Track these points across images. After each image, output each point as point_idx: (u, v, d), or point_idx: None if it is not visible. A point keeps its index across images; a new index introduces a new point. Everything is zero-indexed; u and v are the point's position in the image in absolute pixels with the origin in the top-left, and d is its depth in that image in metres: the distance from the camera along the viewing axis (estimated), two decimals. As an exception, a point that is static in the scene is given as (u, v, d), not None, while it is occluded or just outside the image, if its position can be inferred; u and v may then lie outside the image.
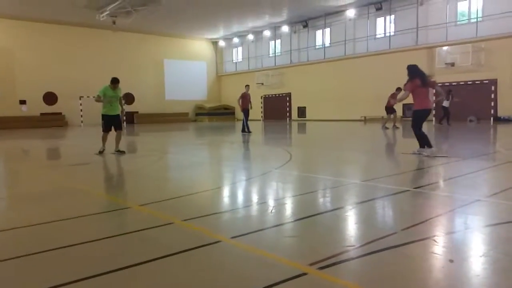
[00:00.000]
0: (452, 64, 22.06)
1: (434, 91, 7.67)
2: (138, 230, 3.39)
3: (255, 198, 4.75)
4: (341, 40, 27.90)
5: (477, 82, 21.40)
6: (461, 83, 21.99)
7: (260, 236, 3.21)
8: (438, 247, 2.84)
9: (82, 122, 28.19)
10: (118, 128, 9.31)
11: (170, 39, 34.50)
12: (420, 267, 2.53)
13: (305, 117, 30.76)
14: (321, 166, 7.50)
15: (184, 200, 4.63)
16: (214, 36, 35.83)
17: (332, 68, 28.36)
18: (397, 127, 17.14)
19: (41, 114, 28.39)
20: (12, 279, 2.48)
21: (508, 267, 2.50)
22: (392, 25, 25.30)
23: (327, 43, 29.15)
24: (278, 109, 32.56)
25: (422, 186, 4.94)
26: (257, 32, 33.45)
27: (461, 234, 3.21)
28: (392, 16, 25.21)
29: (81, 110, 28.20)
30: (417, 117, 7.92)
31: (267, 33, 32.79)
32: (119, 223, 3.77)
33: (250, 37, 34.23)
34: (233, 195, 4.96)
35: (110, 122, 9.22)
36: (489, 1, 21.00)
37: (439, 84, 22.77)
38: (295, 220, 3.67)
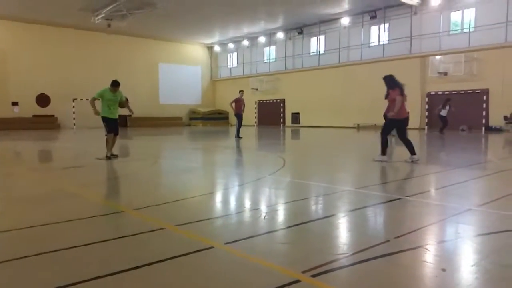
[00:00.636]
0: (445, 73, 22.28)
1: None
2: (131, 235, 3.36)
3: (248, 204, 4.74)
4: (335, 48, 28.09)
5: (469, 91, 21.64)
6: (454, 92, 22.21)
7: (253, 243, 3.20)
8: (430, 256, 2.85)
9: (74, 124, 28.03)
10: (116, 133, 9.02)
11: (165, 43, 34.50)
12: (413, 275, 2.54)
13: (299, 124, 30.85)
14: (314, 173, 7.52)
15: (177, 205, 4.61)
16: (209, 41, 35.89)
17: (326, 75, 28.51)
18: (393, 135, 17.10)
19: (34, 115, 28.16)
20: (3, 283, 2.45)
21: (499, 277, 2.51)
22: (386, 33, 25.53)
23: (322, 50, 29.32)
24: (272, 115, 32.62)
25: (414, 195, 4.97)
26: (252, 38, 33.57)
27: (453, 243, 3.22)
28: (386, 25, 25.44)
29: (74, 113, 28.05)
30: (389, 125, 8.18)
31: (262, 39, 32.92)
32: (112, 227, 3.74)
33: (245, 42, 34.33)
34: (226, 201, 4.95)
35: (112, 125, 8.89)
36: (482, 12, 21.28)
37: (432, 93, 23.04)
38: (288, 227, 3.67)
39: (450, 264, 2.72)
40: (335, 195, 5.14)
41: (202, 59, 37.72)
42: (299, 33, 30.17)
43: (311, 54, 30.12)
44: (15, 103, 27.57)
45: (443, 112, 18.18)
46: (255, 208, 4.44)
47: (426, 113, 23.38)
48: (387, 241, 3.17)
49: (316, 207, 4.59)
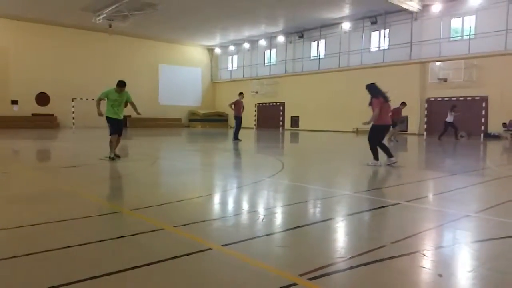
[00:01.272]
0: (445, 80, 22.35)
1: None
2: (128, 235, 3.36)
3: (246, 206, 4.74)
4: (335, 52, 28.16)
5: (468, 98, 21.70)
6: (453, 98, 22.26)
7: (250, 245, 3.21)
8: (427, 261, 2.85)
9: (74, 124, 27.99)
10: (119, 134, 8.86)
11: (166, 44, 34.55)
12: (409, 280, 2.54)
13: (298, 127, 30.87)
14: (313, 176, 7.52)
15: (176, 206, 4.61)
16: (210, 43, 35.96)
17: (326, 79, 28.57)
18: (391, 140, 17.06)
19: (33, 114, 28.17)
20: (-2, 282, 2.44)
21: (497, 283, 2.52)
22: (387, 39, 25.61)
23: (322, 55, 29.39)
24: (271, 118, 32.65)
25: (412, 200, 4.97)
26: (253, 41, 33.64)
27: (450, 249, 3.23)
28: (387, 30, 25.52)
29: (73, 112, 28.02)
30: (375, 132, 8.36)
31: (263, 42, 32.99)
32: (109, 227, 3.73)
33: (246, 45, 34.41)
34: (224, 203, 4.95)
35: (116, 126, 8.74)
36: (482, 19, 21.37)
37: (431, 99, 23.09)
38: (285, 230, 3.67)
39: (447, 270, 2.72)
40: (333, 199, 5.14)
41: (202, 61, 37.79)
42: (299, 37, 30.25)
43: (312, 58, 30.19)
44: (14, 102, 27.57)
45: (449, 119, 18.04)
46: (253, 211, 4.44)
47: (425, 119, 23.43)
48: (384, 246, 3.18)
49: (314, 210, 4.60)
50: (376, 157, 8.31)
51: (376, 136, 8.39)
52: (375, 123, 8.30)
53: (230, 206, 4.77)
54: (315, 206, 4.78)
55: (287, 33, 30.79)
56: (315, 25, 28.36)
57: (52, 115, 28.88)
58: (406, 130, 23.92)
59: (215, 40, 34.85)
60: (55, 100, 28.84)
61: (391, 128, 17.09)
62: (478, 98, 21.41)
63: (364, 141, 18.27)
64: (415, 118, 23.66)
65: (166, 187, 6.25)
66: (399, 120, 17.07)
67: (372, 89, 8.45)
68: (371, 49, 26.63)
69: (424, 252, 3.04)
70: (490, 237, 3.49)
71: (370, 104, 8.41)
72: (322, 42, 29.32)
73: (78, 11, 25.02)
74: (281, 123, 32.06)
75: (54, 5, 24.05)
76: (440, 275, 2.59)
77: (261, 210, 4.45)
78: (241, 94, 16.32)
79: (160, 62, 34.57)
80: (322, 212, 4.49)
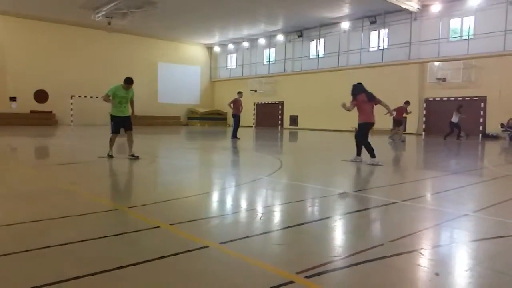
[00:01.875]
0: (443, 80, 22.37)
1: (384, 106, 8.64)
2: (124, 233, 3.35)
3: (244, 204, 4.73)
4: (334, 52, 28.15)
5: (467, 98, 21.71)
6: (452, 99, 22.29)
7: (248, 243, 3.20)
8: (425, 260, 2.85)
9: (72, 121, 27.95)
10: (129, 129, 8.68)
11: (165, 42, 34.49)
12: (406, 279, 2.54)
13: (297, 126, 30.87)
14: (311, 175, 7.52)
15: (173, 204, 4.60)
16: (209, 41, 35.92)
17: (325, 78, 28.55)
18: (393, 140, 16.97)
19: (31, 111, 28.07)
20: (-7, 278, 2.43)
21: (493, 282, 2.52)
22: (386, 38, 25.61)
23: (321, 54, 29.38)
24: (270, 116, 32.65)
25: (410, 199, 4.97)
26: (252, 40, 33.61)
27: (448, 248, 3.23)
28: (386, 30, 25.52)
29: (72, 110, 27.97)
30: (361, 130, 8.64)
31: (262, 41, 32.96)
32: (105, 225, 3.71)
33: (245, 44, 34.38)
34: (222, 201, 4.94)
35: (120, 124, 8.61)
36: (481, 20, 21.39)
37: (430, 99, 23.10)
38: (283, 228, 3.66)
39: (444, 269, 2.72)
40: (331, 197, 5.14)
41: (201, 59, 37.74)
42: (299, 36, 30.23)
43: (311, 57, 30.18)
44: (13, 99, 27.48)
45: (454, 119, 17.94)
46: (251, 209, 4.43)
47: (424, 119, 23.46)
48: (382, 244, 3.17)
49: (312, 209, 4.59)
50: (372, 154, 8.35)
51: (364, 134, 8.62)
52: (360, 121, 8.58)
53: (228, 204, 4.77)
54: (312, 205, 4.77)
55: (286, 32, 30.77)
56: (315, 24, 28.33)
57: (51, 112, 28.80)
58: (405, 130, 23.92)
59: (214, 39, 34.81)
60: (54, 97, 28.75)
61: (396, 127, 17.08)
62: (476, 98, 21.43)
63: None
64: (413, 118, 23.65)
65: (163, 185, 6.24)
66: (403, 119, 16.93)
67: (357, 88, 8.68)
68: (370, 49, 26.62)
69: (422, 251, 3.04)
70: (488, 237, 3.49)
71: (353, 100, 8.67)
72: (321, 41, 29.30)
73: (77, 8, 24.95)
74: (280, 121, 32.06)
75: (53, 2, 23.98)
76: (437, 274, 2.59)
77: (258, 209, 4.44)
78: (240, 92, 16.30)
79: (159, 60, 34.51)
80: (319, 211, 4.49)
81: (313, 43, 30.03)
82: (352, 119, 27.87)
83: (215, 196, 5.23)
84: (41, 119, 27.73)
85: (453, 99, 22.21)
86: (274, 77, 32.37)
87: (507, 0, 20.23)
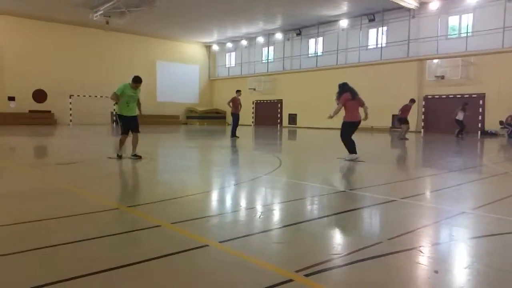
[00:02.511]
0: (442, 77, 22.39)
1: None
2: (125, 232, 3.36)
3: (243, 203, 4.74)
4: (333, 50, 28.14)
5: (465, 96, 21.73)
6: (450, 96, 22.32)
7: (247, 242, 3.21)
8: (424, 258, 2.86)
9: (71, 121, 27.92)
10: (135, 130, 8.55)
11: (163, 41, 34.45)
12: (405, 277, 2.55)
13: (296, 124, 30.88)
14: (310, 173, 7.53)
15: (173, 203, 4.60)
16: (207, 40, 35.88)
17: (323, 76, 28.54)
18: (406, 139, 16.78)
19: (30, 111, 28.05)
20: (-6, 278, 2.43)
21: (492, 279, 2.53)
22: (384, 36, 25.61)
23: (320, 52, 29.37)
24: (269, 115, 32.64)
25: (408, 197, 4.98)
26: (251, 38, 33.58)
27: (447, 245, 3.24)
28: (385, 28, 25.52)
29: (71, 109, 27.94)
30: (346, 128, 8.72)
31: (260, 39, 32.94)
32: (106, 224, 3.72)
33: (244, 42, 34.35)
34: (221, 200, 4.95)
35: (129, 124, 8.47)
36: (479, 17, 21.41)
37: (429, 96, 23.13)
38: (282, 227, 3.67)
39: (443, 266, 2.73)
40: (330, 195, 5.15)
41: (200, 58, 37.70)
42: (297, 34, 30.22)
43: (309, 55, 30.17)
44: (11, 98, 27.44)
45: (459, 116, 17.85)
46: (250, 208, 4.44)
47: (423, 116, 23.48)
48: (381, 242, 3.18)
49: (311, 207, 4.60)
50: (353, 150, 8.60)
51: (348, 132, 8.72)
52: (346, 119, 8.67)
53: (227, 203, 4.77)
54: (312, 203, 4.78)
55: (284, 30, 30.75)
56: (313, 22, 28.32)
57: (49, 111, 28.77)
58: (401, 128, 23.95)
59: (213, 37, 34.77)
60: (52, 97, 28.72)
61: (402, 125, 16.95)
62: (475, 95, 21.46)
63: (361, 138, 18.30)
64: (412, 115, 23.65)
65: (163, 184, 6.24)
66: (406, 117, 16.75)
67: (342, 87, 8.90)
68: (369, 47, 26.62)
69: (421, 248, 3.05)
70: (486, 234, 3.50)
71: (338, 99, 8.84)
72: (320, 39, 29.30)
73: (75, 7, 24.91)
74: (279, 120, 32.06)
75: (51, 1, 23.93)
76: (436, 272, 2.60)
77: (258, 207, 4.45)
78: (238, 91, 16.31)
79: (157, 59, 34.47)
80: (318, 209, 4.49)
81: (312, 41, 30.02)
82: (351, 117, 27.12)
83: (214, 195, 5.23)
84: (40, 119, 27.71)
85: (452, 96, 22.24)
86: (272, 76, 32.35)
87: (505, -3, 20.26)
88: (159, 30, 31.56)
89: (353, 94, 8.66)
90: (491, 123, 20.95)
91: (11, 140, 14.36)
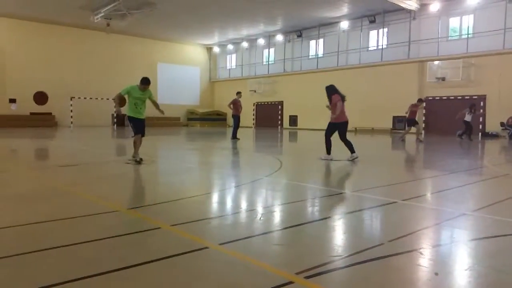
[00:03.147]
0: (443, 79, 22.36)
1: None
2: (125, 234, 3.36)
3: (244, 205, 4.74)
4: (334, 51, 28.14)
5: (466, 97, 21.72)
6: (451, 97, 22.30)
7: (247, 243, 3.21)
8: (424, 260, 2.86)
9: (72, 123, 27.94)
10: (142, 134, 8.30)
11: (164, 43, 34.50)
12: (406, 279, 2.55)
13: (297, 126, 30.86)
14: (311, 175, 7.52)
15: (173, 205, 4.60)
16: (208, 42, 35.92)
17: (324, 78, 28.31)
18: (421, 141, 16.36)
19: (31, 113, 28.07)
20: (-6, 280, 2.44)
21: (493, 281, 2.52)
22: (385, 38, 25.62)
23: (320, 54, 29.38)
24: (270, 116, 32.64)
25: (409, 198, 4.98)
26: (252, 40, 33.61)
27: (447, 247, 3.23)
28: (385, 29, 25.52)
29: (72, 111, 27.97)
30: (331, 128, 9.07)
31: (261, 41, 32.95)
32: (106, 226, 3.72)
33: (245, 44, 34.38)
34: (222, 202, 4.95)
35: (139, 126, 8.17)
36: (480, 19, 21.40)
37: (430, 98, 23.11)
38: (283, 228, 3.67)
39: (444, 268, 2.72)
40: (331, 197, 5.15)
41: (201, 60, 37.74)
42: (298, 36, 30.23)
43: (310, 57, 30.17)
44: (12, 100, 27.48)
45: (468, 118, 17.71)
46: (251, 209, 4.44)
47: (424, 118, 23.45)
48: (382, 244, 3.18)
49: (311, 209, 4.60)
50: (328, 151, 9.01)
51: (331, 132, 9.05)
52: (333, 121, 8.99)
53: (228, 205, 4.77)
54: (312, 205, 4.78)
55: (285, 32, 30.77)
56: (314, 24, 28.34)
57: (50, 114, 28.79)
58: (405, 129, 23.93)
59: (214, 39, 34.81)
60: (53, 99, 28.74)
61: (408, 127, 16.86)
62: (476, 97, 21.43)
63: (362, 140, 18.30)
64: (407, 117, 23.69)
65: (163, 186, 6.24)
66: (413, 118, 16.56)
67: (331, 89, 9.17)
68: (370, 48, 26.63)
69: (421, 250, 3.05)
70: (487, 236, 3.50)
71: (330, 102, 9.13)
72: (321, 41, 29.31)
73: (76, 9, 24.95)
74: (279, 122, 32.05)
75: (52, 3, 23.97)
76: (436, 273, 2.60)
77: (258, 209, 4.45)
78: (239, 93, 16.31)
79: (158, 61, 34.51)
80: (319, 211, 4.49)
81: (313, 43, 30.03)
82: (352, 119, 27.68)
83: (215, 197, 5.23)
84: (41, 121, 27.72)
85: (452, 98, 22.23)
86: (273, 77, 32.36)
87: (506, -2, 20.26)
88: (160, 32, 31.60)
89: (342, 96, 9.00)
90: (492, 124, 20.91)
91: (12, 142, 14.38)
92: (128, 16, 24.83)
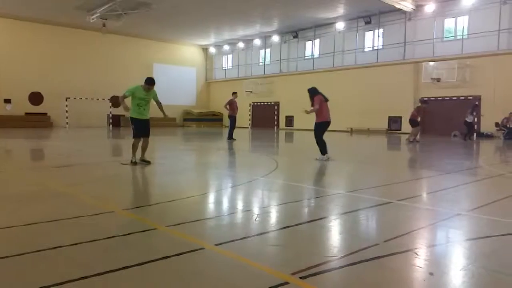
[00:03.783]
0: (438, 80, 22.45)
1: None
2: (120, 235, 3.35)
3: (240, 205, 4.74)
4: (330, 52, 28.20)
5: (461, 98, 21.82)
6: (446, 98, 22.40)
7: (243, 244, 3.21)
8: (419, 260, 2.87)
9: (67, 123, 27.82)
10: (146, 135, 8.27)
11: (160, 43, 34.41)
12: (401, 279, 2.56)
13: (293, 126, 30.89)
14: (307, 176, 7.53)
15: (169, 206, 4.59)
16: (204, 42, 35.88)
17: (320, 79, 28.50)
18: (417, 141, 16.41)
19: (26, 114, 27.91)
20: (-11, 282, 2.42)
21: (488, 281, 2.54)
22: (380, 39, 25.69)
23: (316, 54, 29.42)
24: (266, 117, 32.64)
25: (405, 199, 5.00)
26: (248, 41, 33.61)
27: (442, 247, 3.25)
28: (381, 30, 25.60)
29: (67, 112, 27.84)
30: (320, 128, 9.33)
31: (257, 41, 32.96)
32: (101, 227, 3.70)
33: (241, 45, 34.37)
34: (218, 202, 4.95)
35: (140, 127, 8.12)
36: (475, 20, 21.51)
37: (425, 98, 23.24)
38: (279, 229, 3.67)
39: (439, 268, 2.73)
40: (326, 198, 5.16)
41: (197, 60, 37.68)
42: (294, 37, 30.25)
43: (306, 57, 30.21)
44: (7, 101, 27.32)
45: (469, 118, 17.79)
46: (247, 210, 4.44)
47: (419, 119, 23.51)
48: (377, 244, 3.19)
49: (307, 209, 4.61)
50: (323, 152, 9.15)
51: (322, 132, 9.30)
52: (317, 120, 9.24)
53: (224, 205, 4.77)
54: (308, 205, 4.79)
55: (281, 33, 30.80)
56: (310, 25, 28.38)
57: (46, 114, 28.65)
58: (400, 130, 24.05)
59: (210, 40, 34.77)
60: (49, 99, 28.59)
61: (413, 128, 16.88)
62: (471, 98, 21.54)
63: (358, 140, 18.35)
64: (408, 117, 23.76)
65: (159, 186, 6.23)
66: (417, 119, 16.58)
67: (313, 91, 9.54)
68: (365, 49, 26.70)
69: (416, 250, 3.06)
70: (482, 236, 3.52)
71: (312, 104, 9.39)
72: (317, 41, 29.35)
73: (71, 10, 24.85)
74: (275, 122, 32.06)
75: (47, 3, 23.86)
76: (431, 274, 2.61)
77: (254, 209, 4.45)
78: (234, 93, 16.31)
79: (154, 61, 34.40)
80: (315, 211, 4.50)
81: (308, 44, 30.08)
82: (348, 120, 27.86)
83: (211, 198, 5.23)
84: (36, 121, 27.56)
85: (448, 98, 22.32)
86: (269, 78, 32.37)
87: (500, -1, 20.38)
88: (156, 32, 31.52)
89: (324, 97, 9.32)
90: (487, 125, 21.02)
91: (7, 143, 14.29)
92: (123, 16, 24.78)
